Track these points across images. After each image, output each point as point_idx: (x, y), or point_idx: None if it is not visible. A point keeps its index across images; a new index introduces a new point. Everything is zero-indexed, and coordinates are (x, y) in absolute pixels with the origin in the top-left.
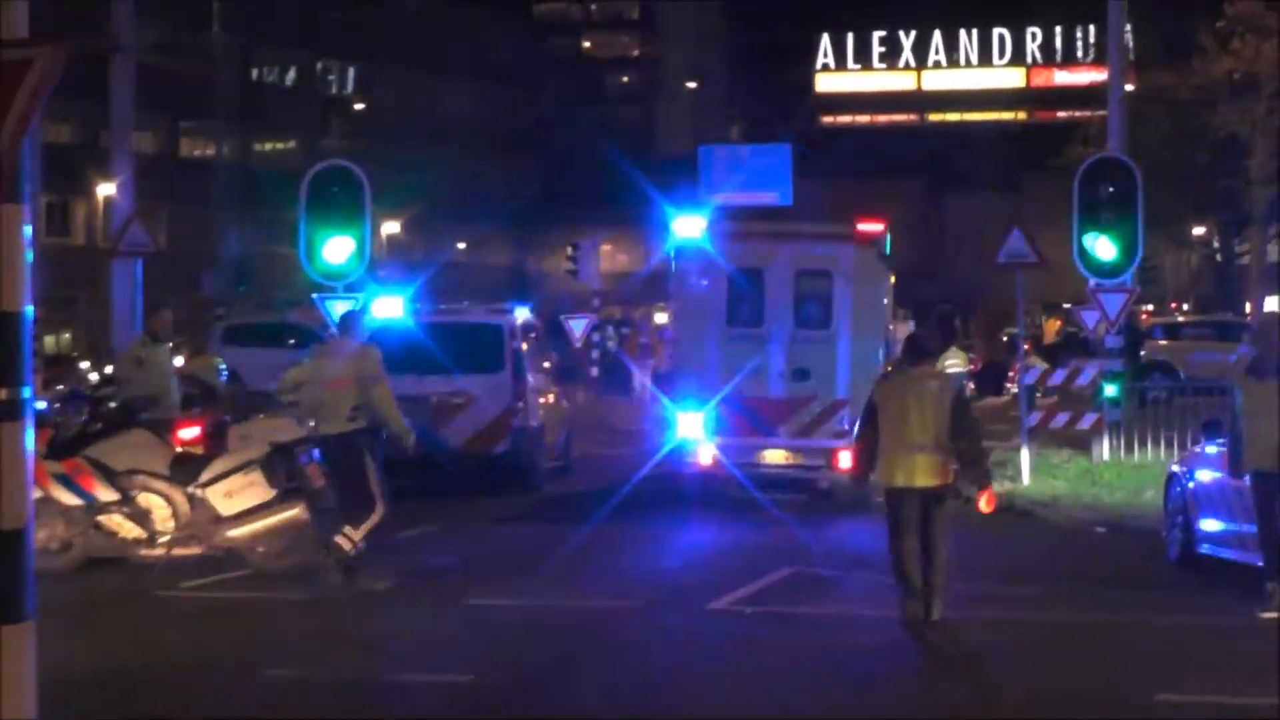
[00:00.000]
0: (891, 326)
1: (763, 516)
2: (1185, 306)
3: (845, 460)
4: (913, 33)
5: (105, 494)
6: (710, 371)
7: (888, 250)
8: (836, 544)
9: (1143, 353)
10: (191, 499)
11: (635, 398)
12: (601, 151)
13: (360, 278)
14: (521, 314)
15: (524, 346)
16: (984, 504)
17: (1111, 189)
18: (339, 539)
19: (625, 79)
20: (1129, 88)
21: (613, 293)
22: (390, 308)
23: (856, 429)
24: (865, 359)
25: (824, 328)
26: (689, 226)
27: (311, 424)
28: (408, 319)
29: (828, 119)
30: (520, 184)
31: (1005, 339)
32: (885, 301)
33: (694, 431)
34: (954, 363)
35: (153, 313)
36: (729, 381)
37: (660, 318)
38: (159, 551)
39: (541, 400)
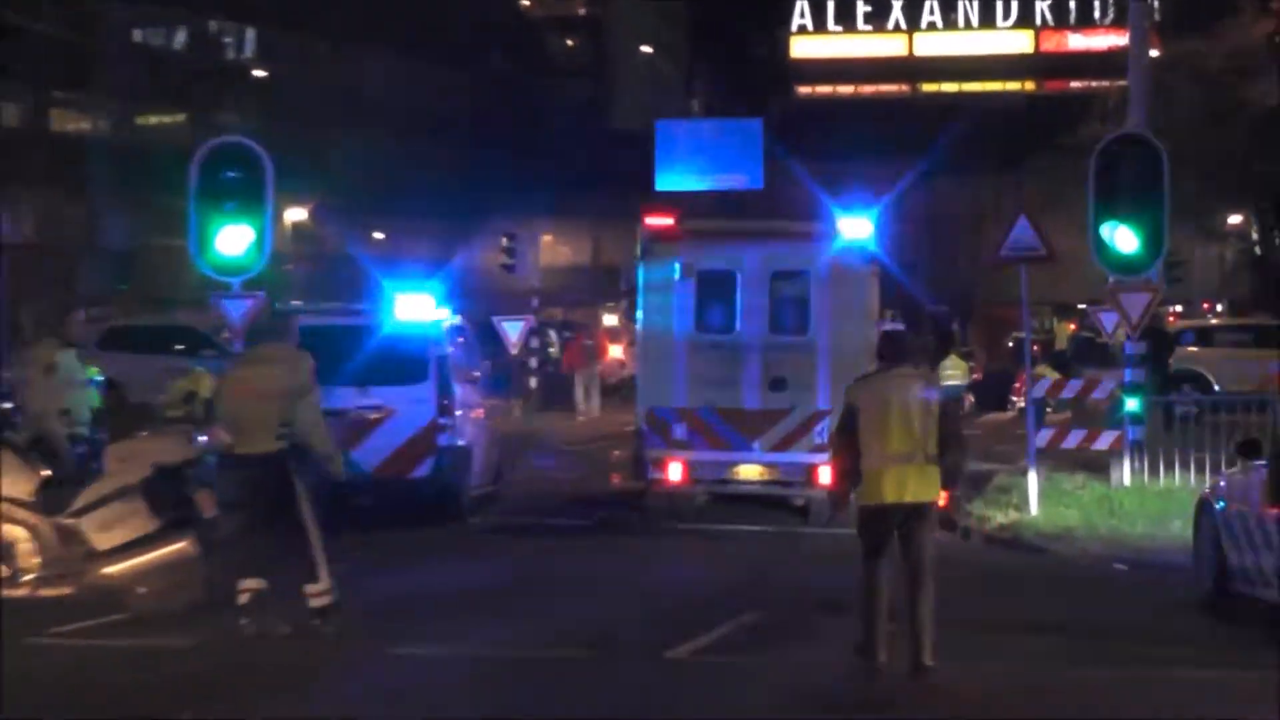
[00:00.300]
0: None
1: (730, 545)
2: (1219, 308)
3: (825, 476)
4: None
5: None
6: (679, 381)
7: (873, 247)
8: (812, 579)
9: (1170, 361)
10: (60, 530)
11: (581, 412)
12: (542, 128)
13: (260, 272)
14: (416, 304)
15: (451, 353)
16: (940, 500)
17: (1133, 171)
18: (316, 599)
19: (570, 43)
20: (1154, 54)
21: (555, 291)
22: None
23: (833, 439)
24: (847, 367)
25: (801, 333)
26: (656, 225)
27: (225, 441)
28: (314, 320)
29: (805, 90)
30: (448, 166)
31: (1010, 345)
32: (869, 304)
33: (662, 447)
34: (952, 373)
35: (66, 315)
36: (699, 392)
37: (609, 319)
38: (22, 591)
39: (471, 415)
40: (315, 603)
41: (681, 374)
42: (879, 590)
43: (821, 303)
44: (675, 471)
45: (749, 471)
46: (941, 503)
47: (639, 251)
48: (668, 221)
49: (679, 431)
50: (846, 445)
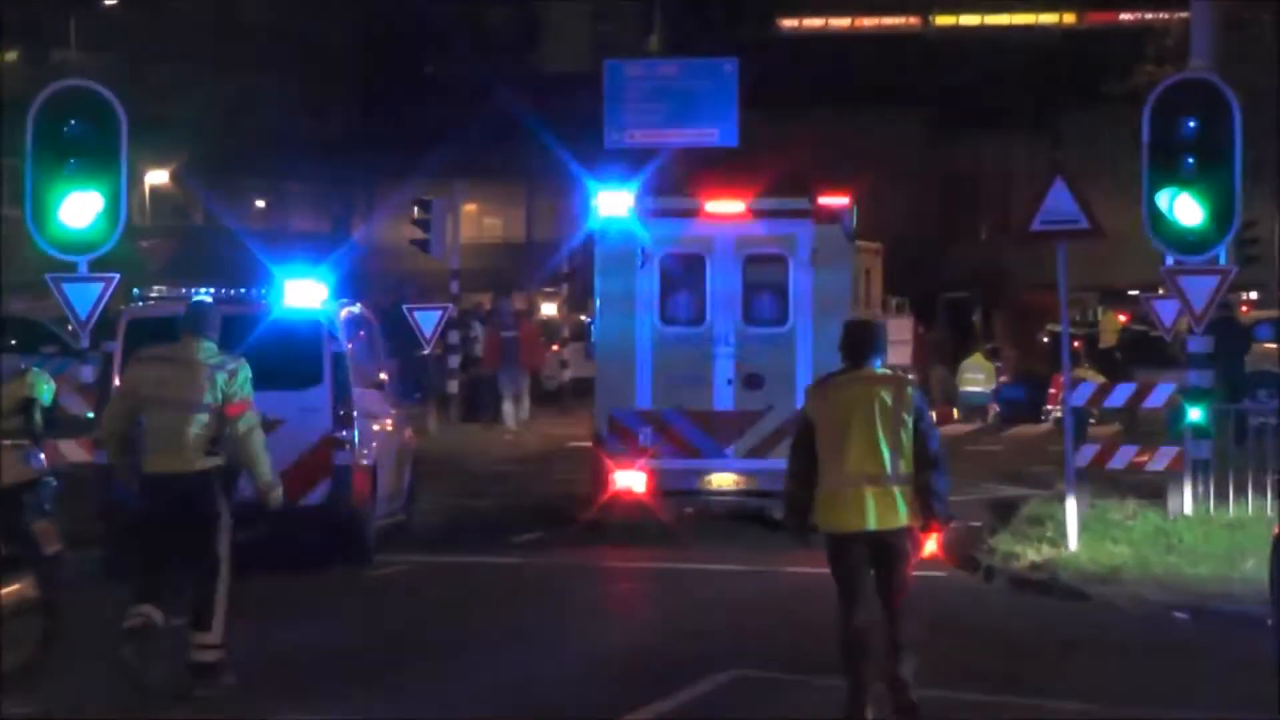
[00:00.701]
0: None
1: (696, 585)
2: None
3: None
4: None
5: None
6: (642, 381)
7: (854, 224)
8: (793, 627)
9: (1243, 360)
10: None
11: (508, 428)
12: (462, 70)
13: (112, 249)
14: (306, 290)
15: (350, 350)
16: (930, 544)
17: (1197, 125)
18: (200, 653)
19: None
20: None
21: (481, 272)
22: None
23: (789, 459)
24: (830, 362)
25: (779, 324)
26: (613, 203)
27: (125, 461)
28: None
29: (788, 24)
30: (344, 115)
31: (1045, 341)
32: (853, 290)
33: (624, 455)
34: (975, 376)
35: None
36: (665, 393)
37: (549, 308)
38: None
39: (376, 427)
40: (200, 657)
41: (645, 373)
42: (862, 642)
43: (802, 289)
44: (639, 482)
45: (722, 480)
46: (934, 546)
47: (593, 234)
48: (626, 201)
49: (643, 437)
50: (801, 467)
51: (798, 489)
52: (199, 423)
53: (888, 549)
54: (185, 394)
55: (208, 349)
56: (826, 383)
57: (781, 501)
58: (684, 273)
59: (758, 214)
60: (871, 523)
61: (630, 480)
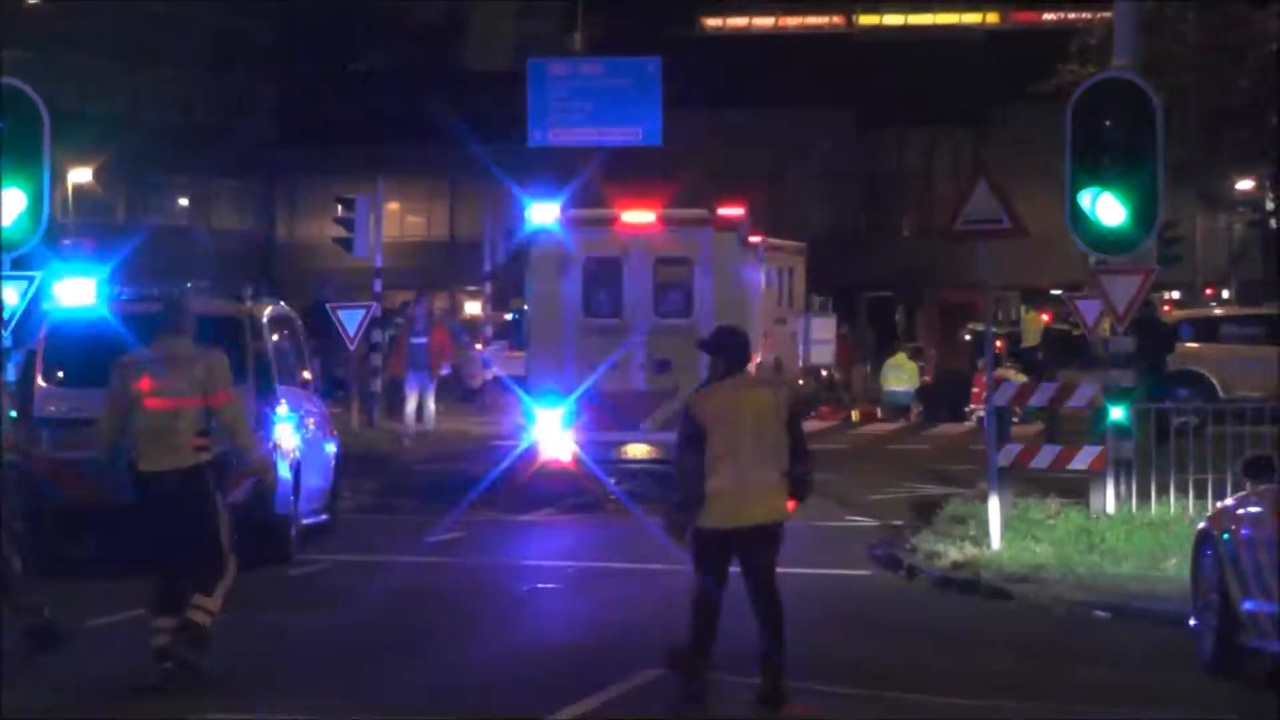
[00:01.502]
0: (786, 320)
1: (618, 584)
2: (1225, 294)
3: None
4: None
5: None
6: (568, 365)
7: (748, 233)
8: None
9: (1165, 360)
10: None
11: (406, 431)
12: (388, 68)
13: (35, 248)
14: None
15: (273, 348)
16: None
17: (1119, 124)
18: (194, 612)
19: None
20: None
21: (404, 270)
22: (78, 292)
23: (679, 461)
24: None
25: (685, 317)
26: (543, 213)
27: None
28: (102, 308)
29: (712, 23)
30: (267, 112)
31: (967, 340)
32: (751, 292)
33: (552, 427)
34: (898, 376)
35: None
36: (588, 375)
37: (472, 307)
38: None
39: (299, 426)
40: (195, 615)
41: (570, 357)
42: (718, 608)
43: (704, 287)
44: (565, 453)
45: (637, 450)
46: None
47: (525, 240)
48: (554, 211)
49: (569, 413)
50: (693, 467)
51: (696, 488)
52: (189, 418)
53: (769, 538)
54: (174, 391)
55: (188, 345)
56: (713, 388)
57: (674, 501)
58: (604, 274)
59: (666, 223)
60: (760, 516)
61: (556, 450)
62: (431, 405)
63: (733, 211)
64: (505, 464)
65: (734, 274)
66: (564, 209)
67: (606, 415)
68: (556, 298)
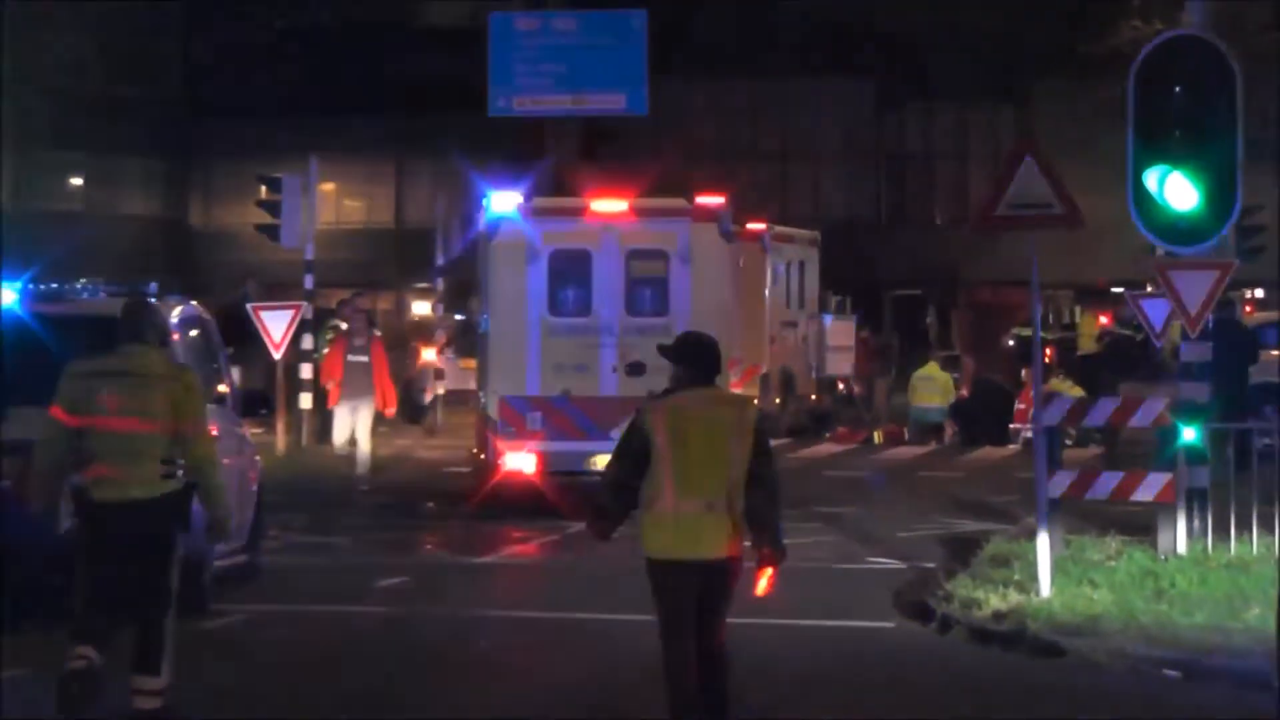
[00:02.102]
0: (797, 323)
1: (579, 636)
2: None
3: None
4: None
5: None
6: (532, 368)
7: (731, 223)
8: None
9: (1248, 371)
10: None
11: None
12: (319, 26)
13: None
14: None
15: (181, 358)
16: (762, 584)
17: (1191, 93)
18: (141, 699)
19: None
20: None
21: (342, 264)
22: None
23: (611, 465)
24: None
25: (660, 315)
26: (504, 202)
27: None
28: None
29: None
30: (173, 75)
31: (1011, 346)
32: (731, 287)
33: (514, 437)
34: (928, 388)
35: None
36: (554, 379)
37: (421, 307)
38: None
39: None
40: (144, 704)
41: (534, 360)
42: (683, 670)
43: (681, 283)
44: (529, 464)
45: (606, 462)
46: (765, 585)
47: (484, 230)
48: (516, 198)
49: (532, 421)
50: (622, 476)
51: (612, 500)
52: (154, 443)
53: (715, 579)
54: (137, 412)
55: (156, 358)
56: (670, 399)
57: (592, 506)
58: (571, 267)
59: (640, 213)
60: (704, 550)
61: (520, 462)
62: (366, 443)
63: (713, 200)
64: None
65: (714, 269)
66: (527, 196)
67: (574, 423)
68: (519, 294)
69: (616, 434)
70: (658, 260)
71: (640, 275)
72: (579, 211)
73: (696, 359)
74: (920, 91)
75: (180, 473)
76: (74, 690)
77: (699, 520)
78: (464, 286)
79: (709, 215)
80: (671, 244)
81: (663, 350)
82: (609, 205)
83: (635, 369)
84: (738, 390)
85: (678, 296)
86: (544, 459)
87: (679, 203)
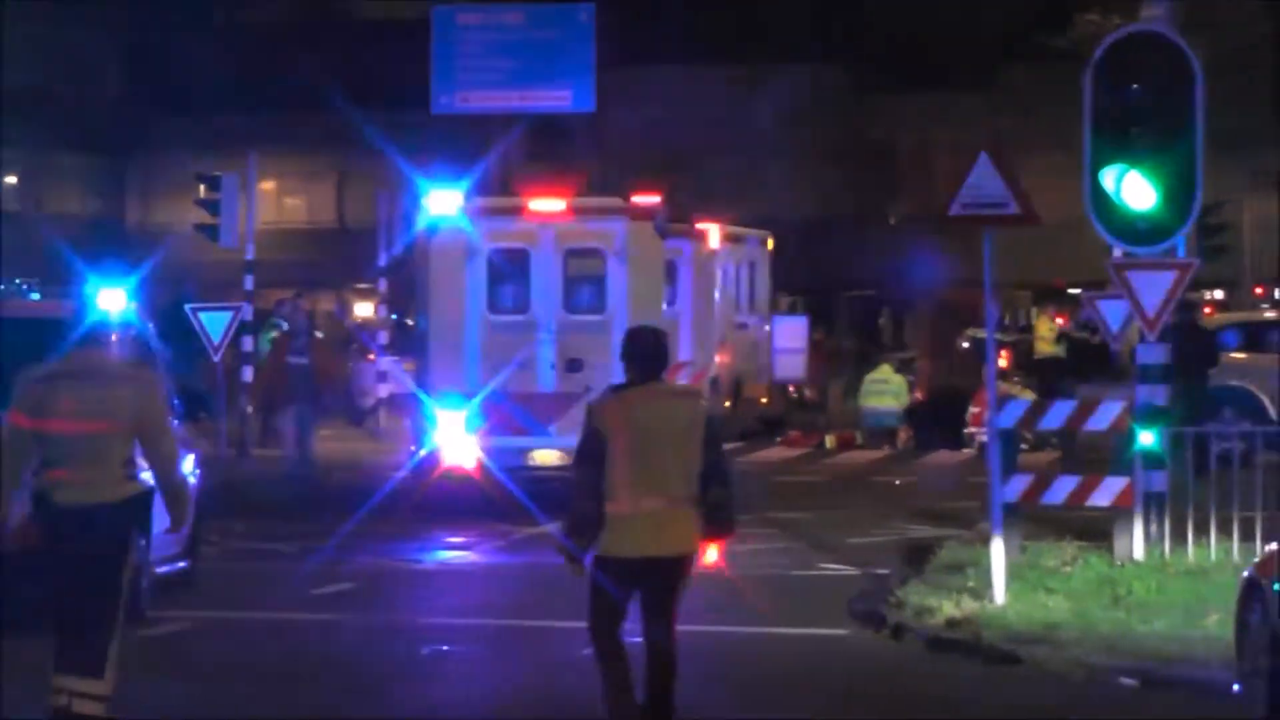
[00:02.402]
0: (747, 325)
1: (522, 641)
2: (1279, 294)
3: None
4: None
5: None
6: (471, 364)
7: (667, 222)
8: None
9: (1207, 374)
10: None
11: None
12: (259, 20)
13: None
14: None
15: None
16: (713, 553)
17: (1151, 88)
18: (80, 703)
19: None
20: None
21: (282, 264)
22: None
23: (577, 474)
24: None
25: (598, 313)
26: (443, 202)
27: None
28: None
29: None
30: (116, 74)
31: (966, 348)
32: (663, 287)
33: (455, 432)
34: (882, 390)
35: None
36: (493, 375)
37: (363, 309)
38: None
39: None
40: (83, 708)
41: (474, 357)
42: (628, 681)
43: (618, 281)
44: (469, 459)
45: (545, 457)
46: (715, 555)
47: (424, 229)
48: (456, 197)
49: (472, 416)
50: (589, 483)
51: (592, 508)
52: (116, 446)
53: (674, 572)
54: (99, 415)
55: (116, 362)
56: (620, 396)
57: (565, 522)
58: (510, 266)
59: (577, 212)
60: (666, 546)
61: (460, 457)
62: (311, 444)
63: (648, 199)
64: (400, 474)
65: (650, 268)
66: (467, 196)
67: (513, 419)
68: (459, 293)
69: (555, 429)
70: (595, 258)
71: (578, 273)
72: (518, 211)
73: (639, 355)
74: (883, 85)
75: (141, 474)
76: None
77: (663, 516)
78: (407, 286)
79: (644, 214)
80: (608, 242)
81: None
82: (547, 205)
83: (573, 365)
84: None
85: (615, 294)
86: (483, 454)
87: (615, 201)
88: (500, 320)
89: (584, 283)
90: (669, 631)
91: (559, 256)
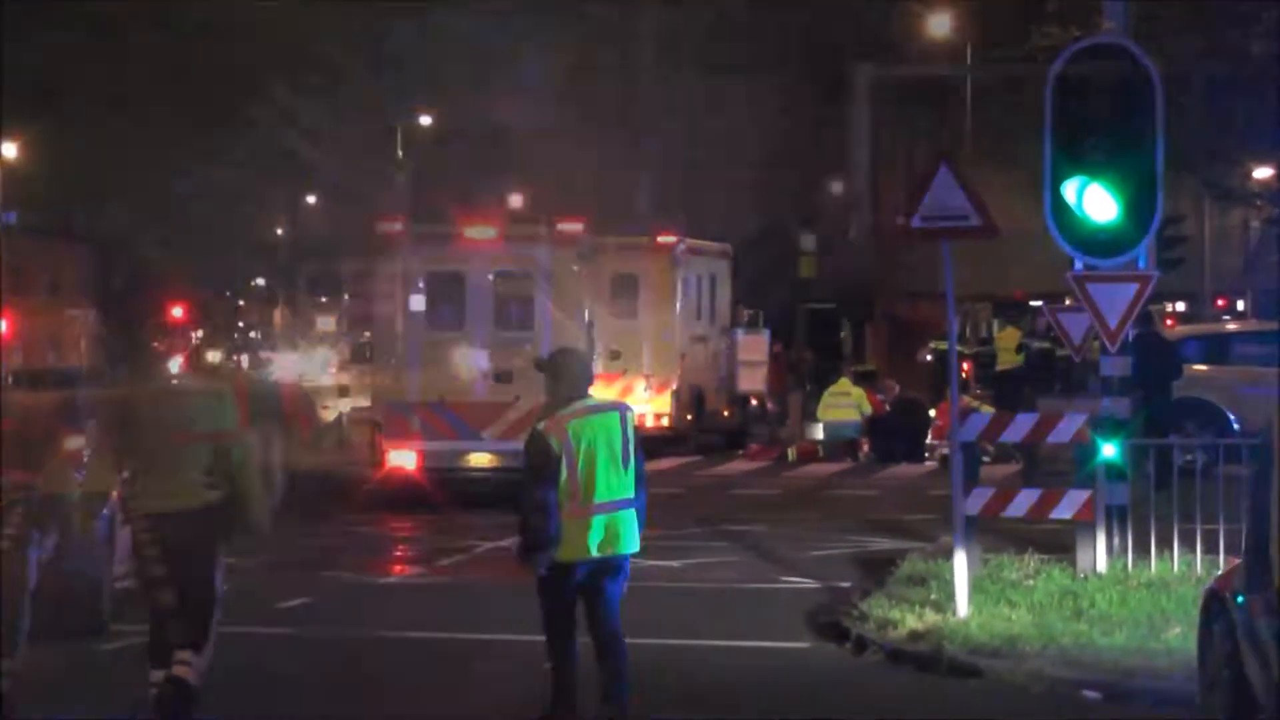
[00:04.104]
0: (707, 338)
1: (482, 653)
2: (1240, 306)
3: None
4: None
5: None
6: (412, 377)
7: (588, 248)
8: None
9: (1170, 386)
10: None
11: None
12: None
13: None
14: None
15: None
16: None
17: (1109, 100)
18: (184, 666)
19: None
20: None
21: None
22: None
23: (537, 492)
24: None
25: (525, 329)
26: (387, 228)
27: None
28: None
29: None
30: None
31: (928, 361)
32: (584, 308)
33: (398, 438)
34: (842, 402)
35: None
36: (432, 386)
37: (325, 322)
38: None
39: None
40: (183, 672)
41: (415, 370)
42: (576, 686)
43: (543, 300)
44: (410, 461)
45: (479, 459)
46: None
47: (372, 254)
48: (396, 227)
49: (414, 423)
50: (544, 502)
51: (548, 526)
52: (200, 454)
53: (619, 570)
54: (183, 424)
55: (186, 374)
56: (565, 414)
57: (528, 536)
58: (447, 287)
59: (507, 238)
60: (619, 547)
61: (402, 459)
62: (276, 475)
63: (571, 226)
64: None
65: (572, 288)
66: (407, 224)
67: (449, 425)
68: (402, 310)
69: (487, 434)
70: (523, 280)
71: (507, 294)
72: (453, 238)
73: (573, 374)
74: (833, 93)
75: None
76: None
77: (619, 520)
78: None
79: (567, 240)
80: (534, 266)
81: (538, 365)
82: (479, 232)
83: (503, 377)
84: (644, 405)
85: (541, 313)
86: (423, 456)
87: (540, 229)
88: (438, 336)
89: (513, 303)
90: (616, 624)
91: (490, 279)
